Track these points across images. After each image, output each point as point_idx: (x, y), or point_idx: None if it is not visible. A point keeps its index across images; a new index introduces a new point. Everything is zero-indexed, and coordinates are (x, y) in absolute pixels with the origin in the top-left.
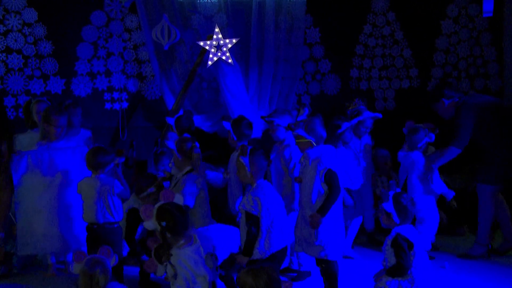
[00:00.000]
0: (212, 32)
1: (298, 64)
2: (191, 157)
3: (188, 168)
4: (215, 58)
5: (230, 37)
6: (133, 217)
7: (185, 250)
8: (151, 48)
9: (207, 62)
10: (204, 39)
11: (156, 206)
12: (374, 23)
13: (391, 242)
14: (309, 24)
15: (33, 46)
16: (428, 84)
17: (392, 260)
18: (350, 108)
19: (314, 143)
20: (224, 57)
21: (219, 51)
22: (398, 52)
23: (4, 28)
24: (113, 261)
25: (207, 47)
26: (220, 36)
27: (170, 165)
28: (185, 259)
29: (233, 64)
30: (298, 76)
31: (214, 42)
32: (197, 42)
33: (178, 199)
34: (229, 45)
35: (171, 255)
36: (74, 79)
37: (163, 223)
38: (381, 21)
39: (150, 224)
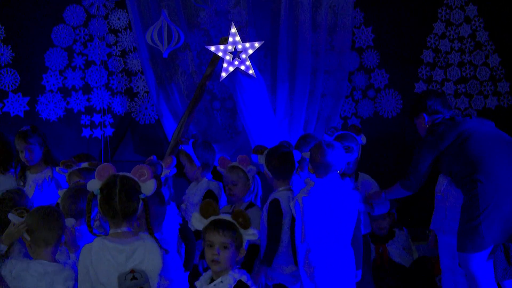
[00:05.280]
0: (227, 33)
1: (344, 77)
2: None
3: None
4: (231, 69)
5: (252, 40)
6: None
7: None
8: (145, 55)
9: (220, 74)
10: (217, 43)
11: None
12: (448, 20)
13: None
14: (358, 23)
15: None
16: None
17: None
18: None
19: None
20: (243, 67)
21: (236, 58)
22: (481, 60)
23: None
24: None
25: (220, 54)
26: (237, 38)
27: None
28: None
29: (255, 76)
30: (343, 92)
31: (229, 47)
32: (206, 47)
33: None
34: (250, 51)
35: None
36: (41, 97)
37: None
38: (457, 17)
39: None
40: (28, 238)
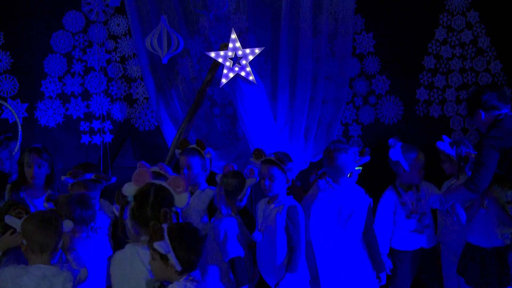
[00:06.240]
0: (227, 39)
1: (345, 83)
2: None
3: None
4: (231, 75)
5: (252, 46)
6: None
7: None
8: (145, 62)
9: (220, 80)
10: (217, 49)
11: None
12: (449, 26)
13: None
14: (359, 29)
15: None
16: None
17: None
18: None
19: None
20: (243, 73)
21: (237, 65)
22: (483, 66)
23: None
24: None
25: (220, 60)
26: (238, 44)
27: None
28: None
29: (255, 82)
30: (344, 98)
31: (229, 53)
32: (206, 53)
33: None
34: (250, 57)
35: None
36: (40, 103)
37: None
38: (459, 23)
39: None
40: (25, 242)
